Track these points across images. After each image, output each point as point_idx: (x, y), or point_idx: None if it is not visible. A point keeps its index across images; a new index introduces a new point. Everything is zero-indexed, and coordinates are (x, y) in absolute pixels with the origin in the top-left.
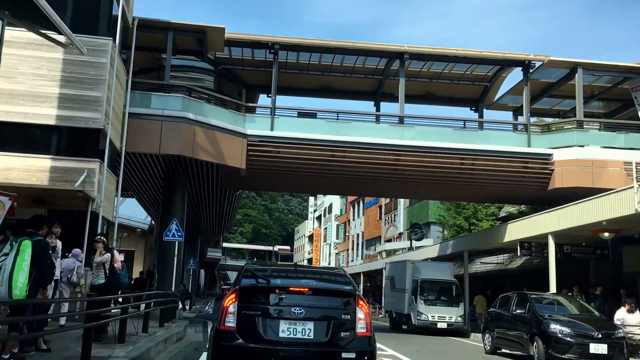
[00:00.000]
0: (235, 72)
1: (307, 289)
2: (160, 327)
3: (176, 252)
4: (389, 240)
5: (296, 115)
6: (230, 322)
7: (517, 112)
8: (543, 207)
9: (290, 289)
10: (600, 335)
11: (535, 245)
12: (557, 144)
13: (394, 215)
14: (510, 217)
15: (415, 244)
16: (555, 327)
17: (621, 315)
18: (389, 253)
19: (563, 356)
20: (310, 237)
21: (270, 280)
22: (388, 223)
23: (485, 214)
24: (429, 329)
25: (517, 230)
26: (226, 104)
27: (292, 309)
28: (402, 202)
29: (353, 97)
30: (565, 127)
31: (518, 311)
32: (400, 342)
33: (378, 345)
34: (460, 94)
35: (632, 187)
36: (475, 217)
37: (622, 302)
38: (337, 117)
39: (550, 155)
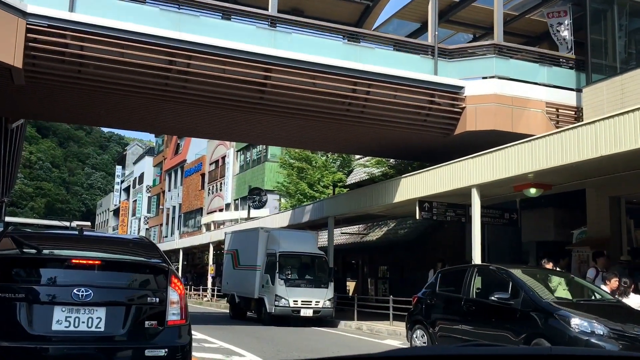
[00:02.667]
0: None
1: (97, 262)
2: None
3: None
4: (213, 212)
5: None
6: None
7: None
8: (425, 166)
9: (73, 261)
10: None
11: (437, 206)
12: (471, 73)
13: (220, 184)
14: (360, 184)
15: (254, 212)
16: (578, 324)
17: None
18: (217, 226)
19: None
20: (116, 211)
21: (41, 249)
22: (212, 193)
23: (332, 180)
24: (288, 318)
25: (413, 186)
26: None
27: (75, 290)
28: (231, 169)
29: None
30: (479, 53)
31: (496, 297)
32: (250, 337)
33: (218, 342)
34: (334, 14)
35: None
36: (322, 183)
37: None
38: (180, 6)
39: (461, 88)
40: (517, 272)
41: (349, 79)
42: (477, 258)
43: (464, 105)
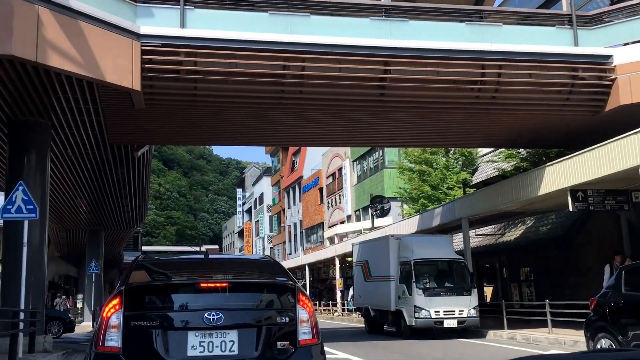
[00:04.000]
0: None
1: (225, 284)
2: None
3: (26, 239)
4: (334, 226)
5: (220, 3)
6: (113, 339)
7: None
8: (565, 154)
9: (201, 285)
10: None
11: (593, 194)
12: (619, 40)
13: (339, 196)
14: (488, 182)
15: (378, 222)
16: None
17: None
18: (340, 238)
19: None
20: (241, 233)
21: (171, 275)
22: (332, 206)
23: (456, 181)
24: (431, 330)
25: (562, 174)
26: None
27: (206, 315)
28: (348, 180)
29: None
30: (626, 14)
31: None
32: (396, 354)
33: None
34: (448, 0)
35: None
36: (446, 185)
37: None
38: (289, 5)
39: (609, 57)
40: None
41: (476, 62)
42: None
43: (614, 77)
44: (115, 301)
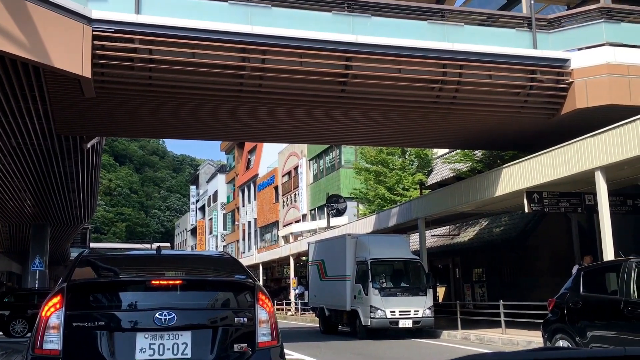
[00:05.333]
0: None
1: (178, 282)
2: None
3: None
4: (289, 224)
5: None
6: (53, 341)
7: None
8: (520, 156)
9: (152, 282)
10: None
11: (548, 196)
12: (576, 44)
13: (295, 195)
14: (443, 183)
15: (334, 221)
16: None
17: None
18: (295, 237)
19: None
20: (193, 230)
21: (119, 271)
22: (287, 205)
23: (413, 182)
24: (386, 330)
25: (518, 176)
26: None
27: (157, 315)
28: (304, 179)
29: None
30: (583, 19)
31: None
32: (353, 355)
33: None
34: None
35: None
36: (401, 186)
37: None
38: None
39: (566, 60)
40: None
41: (438, 61)
42: (609, 252)
43: (570, 80)
44: (56, 299)
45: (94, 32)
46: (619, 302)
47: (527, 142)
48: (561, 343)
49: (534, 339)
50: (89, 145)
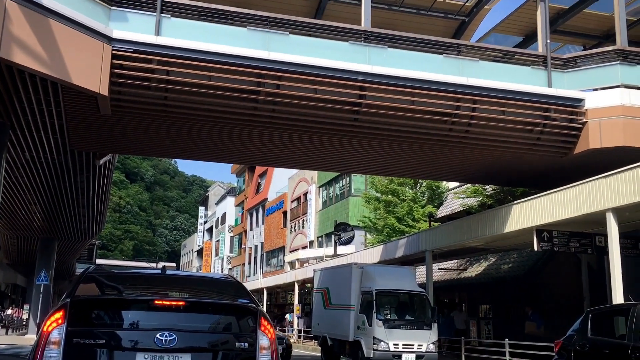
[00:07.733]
0: None
1: (181, 303)
2: None
3: None
4: (296, 250)
5: (198, 14)
6: (52, 357)
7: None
8: (531, 193)
9: (155, 302)
10: None
11: (558, 235)
12: (590, 84)
13: (303, 221)
14: (452, 217)
15: (341, 249)
16: None
17: None
18: (301, 264)
19: None
20: (200, 252)
21: (123, 289)
22: (295, 231)
23: (423, 214)
24: None
25: (529, 213)
26: None
27: (158, 335)
28: (313, 205)
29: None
30: (598, 60)
31: None
32: None
33: None
34: (427, 32)
35: None
36: (412, 217)
37: None
38: (268, 22)
39: (580, 100)
40: None
41: (452, 94)
42: (618, 296)
43: (584, 120)
44: (59, 314)
45: (113, 52)
46: (626, 347)
47: (540, 180)
48: None
49: None
50: (101, 162)
